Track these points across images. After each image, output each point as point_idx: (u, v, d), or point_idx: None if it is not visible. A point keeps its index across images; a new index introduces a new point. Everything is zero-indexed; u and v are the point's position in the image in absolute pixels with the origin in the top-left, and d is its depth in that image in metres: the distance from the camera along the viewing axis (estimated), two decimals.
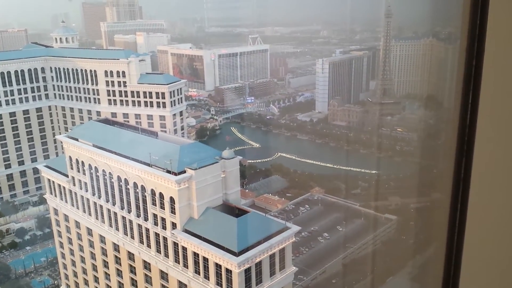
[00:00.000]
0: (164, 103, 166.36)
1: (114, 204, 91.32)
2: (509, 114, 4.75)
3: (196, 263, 75.61)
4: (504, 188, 4.84)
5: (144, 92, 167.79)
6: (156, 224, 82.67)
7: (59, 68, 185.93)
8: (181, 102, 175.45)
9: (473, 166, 4.99)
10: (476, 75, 5.00)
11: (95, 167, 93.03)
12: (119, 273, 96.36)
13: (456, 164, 5.27)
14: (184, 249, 77.43)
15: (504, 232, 4.91)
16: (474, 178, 5.00)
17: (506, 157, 4.79)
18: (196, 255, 75.28)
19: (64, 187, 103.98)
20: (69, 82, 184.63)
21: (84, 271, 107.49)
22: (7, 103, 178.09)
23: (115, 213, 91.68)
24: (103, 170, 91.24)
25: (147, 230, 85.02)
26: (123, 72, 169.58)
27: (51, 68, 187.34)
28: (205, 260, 73.64)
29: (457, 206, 5.27)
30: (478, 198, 5.02)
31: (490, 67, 4.84)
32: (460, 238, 5.19)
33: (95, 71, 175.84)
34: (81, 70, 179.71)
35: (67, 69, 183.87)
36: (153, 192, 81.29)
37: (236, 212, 78.98)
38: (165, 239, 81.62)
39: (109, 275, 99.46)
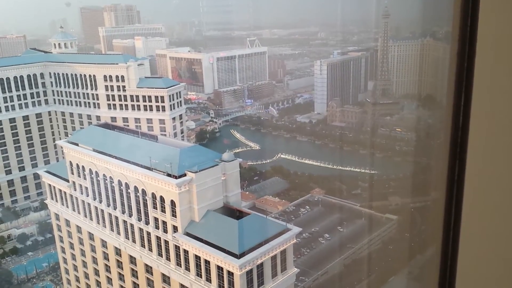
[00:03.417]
0: (163, 107, 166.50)
1: (115, 208, 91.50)
2: (501, 115, 4.86)
3: (198, 266, 75.81)
4: (498, 188, 4.94)
5: (144, 96, 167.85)
6: (157, 227, 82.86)
7: (58, 74, 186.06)
8: (181, 105, 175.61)
9: (467, 166, 5.09)
10: (468, 76, 5.08)
11: (96, 172, 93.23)
12: (121, 277, 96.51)
13: (450, 164, 5.37)
14: (186, 252, 77.61)
15: (499, 231, 4.99)
16: (468, 178, 5.10)
17: (499, 157, 4.91)
18: (197, 258, 75.47)
19: (65, 192, 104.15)
20: (69, 87, 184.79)
21: (86, 276, 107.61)
22: (6, 109, 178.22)
23: (116, 217, 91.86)
24: (104, 175, 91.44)
25: (149, 233, 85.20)
26: (122, 77, 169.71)
27: (50, 73, 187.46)
28: (207, 262, 73.85)
29: (452, 206, 5.36)
30: (472, 199, 5.11)
31: (481, 69, 4.94)
32: (456, 238, 5.28)
33: (94, 76, 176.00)
34: (80, 75, 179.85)
35: (66, 74, 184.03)
36: (153, 196, 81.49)
37: (237, 214, 79.17)
38: (166, 242, 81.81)
39: (111, 279, 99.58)
